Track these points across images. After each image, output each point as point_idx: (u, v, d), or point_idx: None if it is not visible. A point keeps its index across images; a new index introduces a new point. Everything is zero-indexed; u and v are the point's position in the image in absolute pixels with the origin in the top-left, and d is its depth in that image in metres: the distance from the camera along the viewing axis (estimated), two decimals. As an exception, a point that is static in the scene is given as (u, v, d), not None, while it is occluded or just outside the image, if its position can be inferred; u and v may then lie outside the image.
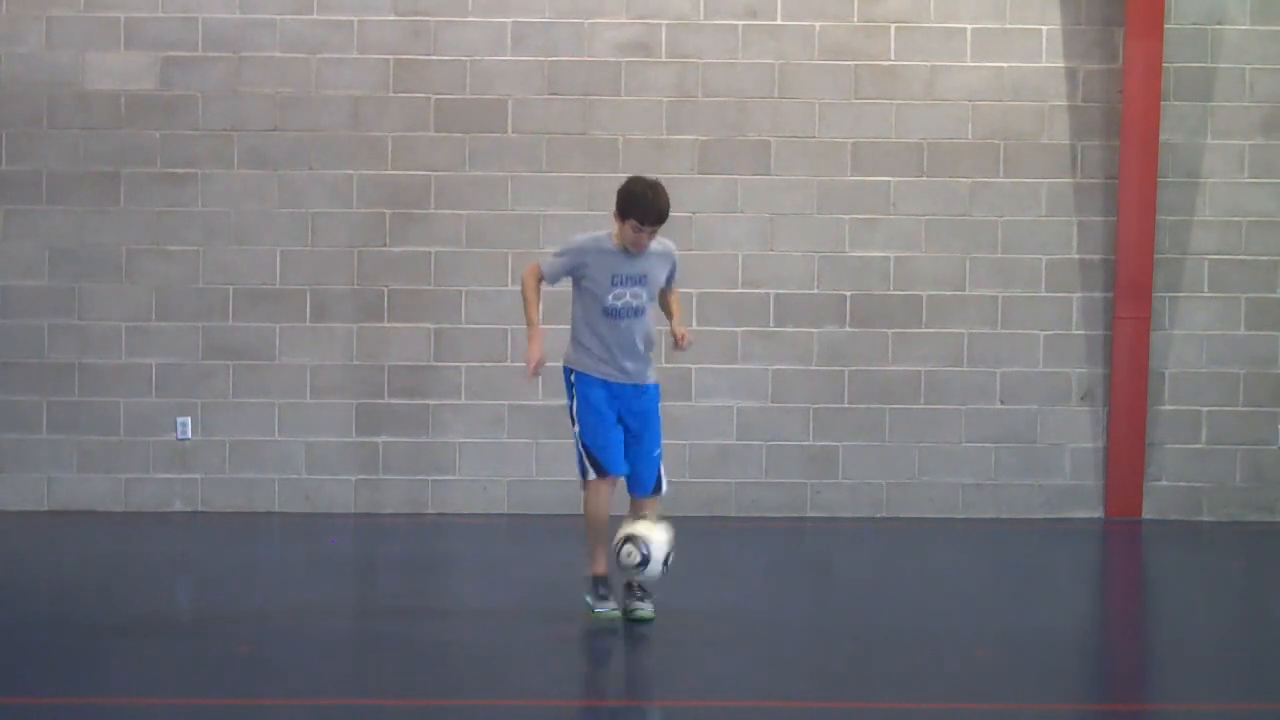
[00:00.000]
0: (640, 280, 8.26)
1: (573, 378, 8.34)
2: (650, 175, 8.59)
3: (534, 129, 11.84)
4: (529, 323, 8.33)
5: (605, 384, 8.28)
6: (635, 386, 8.33)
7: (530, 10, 11.83)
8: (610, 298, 8.22)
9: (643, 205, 8.13)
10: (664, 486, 8.49)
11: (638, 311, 8.27)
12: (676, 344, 8.33)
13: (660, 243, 8.36)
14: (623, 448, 8.31)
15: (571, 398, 8.35)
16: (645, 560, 8.03)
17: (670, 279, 8.47)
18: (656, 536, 8.10)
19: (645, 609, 8.22)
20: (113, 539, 11.13)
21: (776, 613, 8.88)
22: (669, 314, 8.56)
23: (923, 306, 11.94)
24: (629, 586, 8.27)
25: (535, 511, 11.74)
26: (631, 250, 8.22)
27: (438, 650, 7.71)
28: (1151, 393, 11.96)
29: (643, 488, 8.41)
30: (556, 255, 8.41)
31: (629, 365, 8.29)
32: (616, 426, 8.29)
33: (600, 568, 8.30)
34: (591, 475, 8.27)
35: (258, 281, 11.83)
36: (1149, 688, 7.70)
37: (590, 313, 8.27)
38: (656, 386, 8.45)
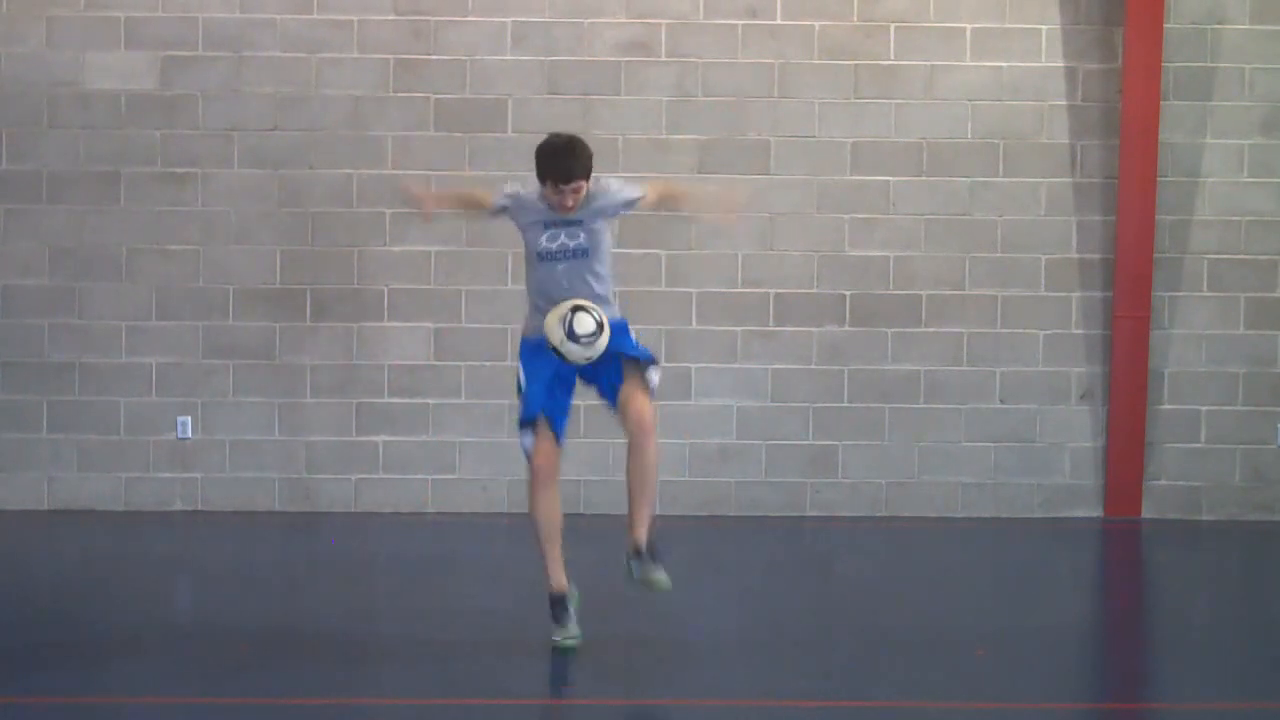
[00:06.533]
0: (575, 223, 7.72)
1: (520, 352, 7.83)
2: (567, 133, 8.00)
3: (534, 129, 11.82)
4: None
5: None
6: None
7: (530, 10, 11.83)
8: (544, 239, 7.74)
9: (552, 163, 7.63)
10: (653, 376, 7.72)
11: (577, 253, 7.74)
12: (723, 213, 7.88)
13: (596, 186, 7.77)
14: (553, 394, 7.70)
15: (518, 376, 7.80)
16: (599, 329, 7.49)
17: (630, 201, 7.83)
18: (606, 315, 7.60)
19: (663, 578, 7.61)
20: (113, 539, 11.14)
21: (776, 612, 8.88)
22: (681, 202, 8.19)
23: (922, 306, 11.95)
24: (639, 553, 7.62)
25: (535, 511, 11.73)
26: (557, 212, 7.72)
27: (438, 650, 7.71)
28: (1151, 392, 11.97)
29: (621, 376, 7.75)
30: (502, 193, 7.91)
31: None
32: (547, 378, 7.69)
33: (557, 583, 7.68)
34: (528, 441, 7.64)
35: (258, 281, 11.83)
36: (1149, 687, 7.70)
37: (530, 265, 7.83)
38: (618, 321, 7.75)
